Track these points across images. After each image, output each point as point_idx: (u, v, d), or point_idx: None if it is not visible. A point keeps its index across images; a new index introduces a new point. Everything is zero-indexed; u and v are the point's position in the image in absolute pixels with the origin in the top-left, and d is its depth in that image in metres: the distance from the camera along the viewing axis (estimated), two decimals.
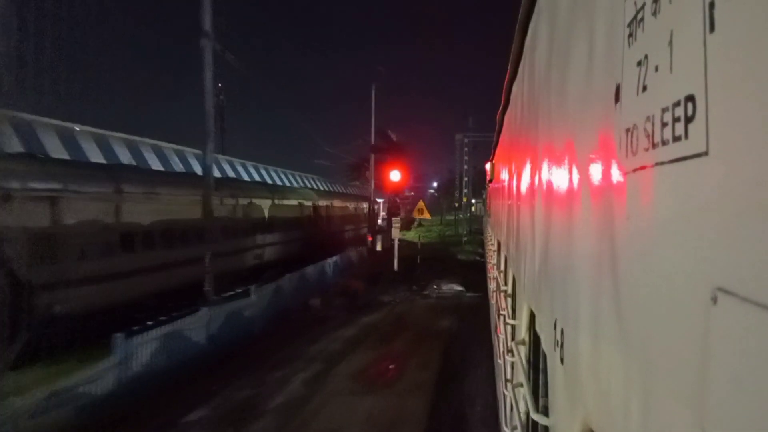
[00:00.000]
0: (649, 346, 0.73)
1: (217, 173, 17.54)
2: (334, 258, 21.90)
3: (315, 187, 33.72)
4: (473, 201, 59.54)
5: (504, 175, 6.10)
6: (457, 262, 27.33)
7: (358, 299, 17.58)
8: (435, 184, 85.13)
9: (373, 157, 29.82)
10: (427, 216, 26.09)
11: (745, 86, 0.50)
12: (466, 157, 49.28)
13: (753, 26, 0.48)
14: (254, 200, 20.43)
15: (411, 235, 44.85)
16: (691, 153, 0.59)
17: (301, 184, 32.22)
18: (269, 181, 27.22)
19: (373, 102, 28.42)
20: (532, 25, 2.66)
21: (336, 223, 31.57)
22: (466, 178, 50.09)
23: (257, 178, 26.60)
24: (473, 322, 13.77)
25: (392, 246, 24.44)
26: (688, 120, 0.60)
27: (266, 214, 21.37)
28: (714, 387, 0.53)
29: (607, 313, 0.95)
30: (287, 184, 30.01)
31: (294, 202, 25.04)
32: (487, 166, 12.89)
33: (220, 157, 23.39)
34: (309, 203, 26.99)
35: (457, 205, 55.92)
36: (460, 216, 51.57)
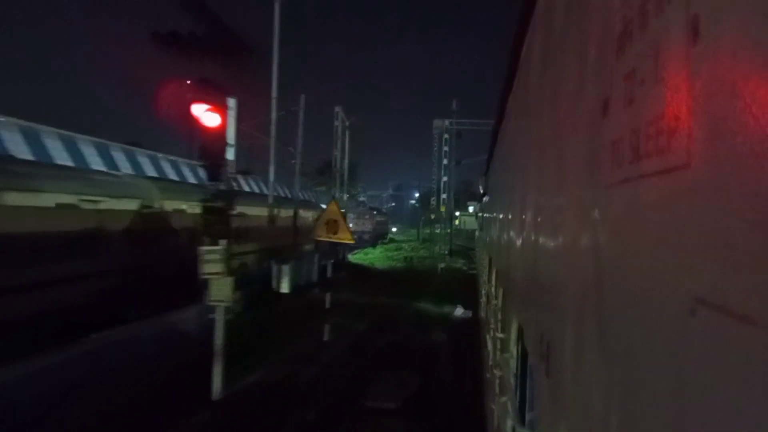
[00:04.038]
0: (630, 357, 0.73)
1: None
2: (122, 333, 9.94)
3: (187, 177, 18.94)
4: (457, 213, 45.80)
5: (496, 189, 6.13)
6: (418, 340, 11.99)
7: None
8: (417, 195, 74.93)
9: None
10: (345, 238, 12.03)
11: (727, 99, 0.50)
12: (446, 148, 32.48)
13: (736, 40, 0.49)
14: None
15: (376, 255, 34.16)
16: (673, 165, 0.60)
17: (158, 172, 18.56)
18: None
19: (277, 24, 15.68)
20: (526, 41, 2.69)
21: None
22: (445, 178, 33.42)
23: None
24: None
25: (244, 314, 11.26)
26: (671, 132, 0.60)
27: None
28: (691, 397, 0.53)
29: (591, 325, 0.96)
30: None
31: (69, 199, 11.09)
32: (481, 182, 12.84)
33: None
34: (132, 207, 13.06)
35: (433, 216, 38.03)
36: (438, 231, 35.00)
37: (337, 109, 28.15)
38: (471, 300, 15.46)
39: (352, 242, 11.72)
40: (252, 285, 12.77)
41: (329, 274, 11.87)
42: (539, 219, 1.87)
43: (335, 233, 11.43)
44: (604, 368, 0.86)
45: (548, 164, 1.69)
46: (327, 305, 11.27)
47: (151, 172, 16.96)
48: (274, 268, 12.61)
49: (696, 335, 0.53)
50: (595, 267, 0.94)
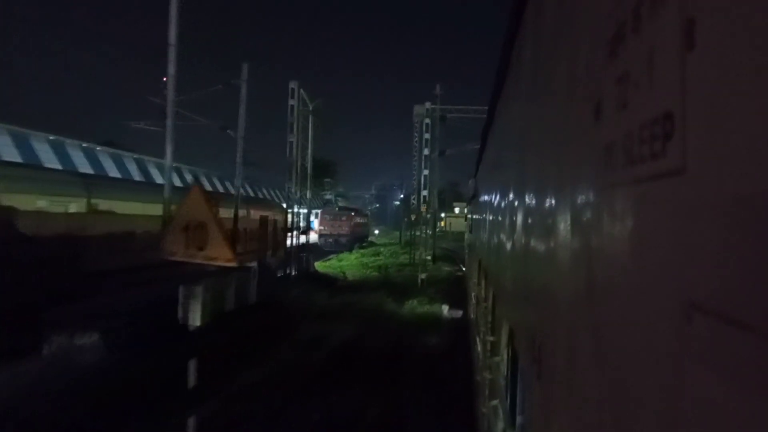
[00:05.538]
0: (625, 362, 0.73)
1: None
2: None
3: None
4: (443, 215, 41.08)
5: (486, 191, 6.14)
6: None
7: None
8: (401, 196, 66.95)
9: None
10: (221, 258, 6.04)
11: (723, 104, 0.50)
12: (427, 136, 26.54)
13: (732, 44, 0.49)
14: None
15: (350, 261, 29.83)
16: (668, 170, 0.59)
17: None
18: None
19: None
20: (516, 44, 2.70)
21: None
22: (426, 172, 27.30)
23: None
24: None
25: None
26: (667, 137, 0.60)
27: None
28: (686, 402, 0.53)
29: (585, 330, 0.95)
30: None
31: None
32: (471, 182, 12.91)
33: None
34: None
35: (413, 217, 31.66)
36: (418, 233, 28.35)
37: (292, 85, 22.17)
38: (464, 336, 10.73)
39: (232, 264, 6.66)
40: (133, 318, 8.93)
41: (192, 322, 6.96)
42: (530, 222, 1.87)
43: (201, 248, 6.21)
44: (598, 373, 0.86)
45: (539, 167, 1.69)
46: (191, 383, 6.17)
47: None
48: (181, 290, 7.96)
49: (691, 340, 0.53)
50: (589, 271, 0.94)
